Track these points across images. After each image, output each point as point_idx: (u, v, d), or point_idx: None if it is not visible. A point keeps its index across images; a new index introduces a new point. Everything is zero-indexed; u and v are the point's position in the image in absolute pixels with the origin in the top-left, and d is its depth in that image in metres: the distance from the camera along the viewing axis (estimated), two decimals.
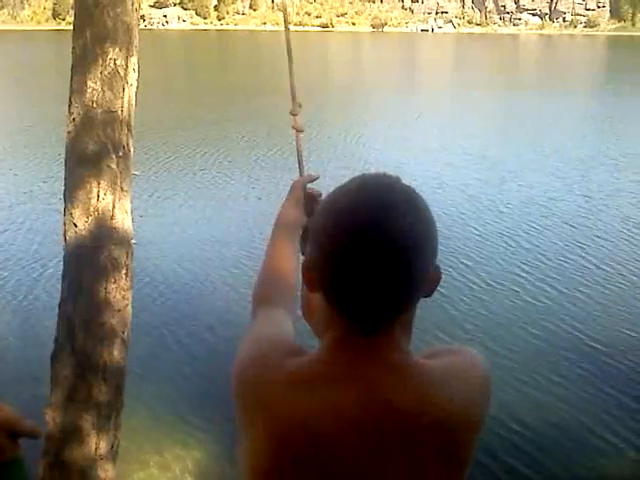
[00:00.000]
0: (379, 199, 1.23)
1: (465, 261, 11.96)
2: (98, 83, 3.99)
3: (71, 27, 4.20)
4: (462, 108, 34.07)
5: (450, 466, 1.29)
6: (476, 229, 13.90)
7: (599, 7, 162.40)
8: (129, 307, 4.10)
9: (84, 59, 4.07)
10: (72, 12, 4.36)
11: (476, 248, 12.72)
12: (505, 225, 14.23)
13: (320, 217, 1.30)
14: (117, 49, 4.03)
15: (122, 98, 4.03)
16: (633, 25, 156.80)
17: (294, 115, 2.19)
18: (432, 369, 1.29)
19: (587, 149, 22.41)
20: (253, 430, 1.29)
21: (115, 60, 4.01)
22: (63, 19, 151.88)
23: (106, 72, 4.00)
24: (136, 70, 4.15)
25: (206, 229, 13.87)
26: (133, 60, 4.13)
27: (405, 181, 1.32)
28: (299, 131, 2.16)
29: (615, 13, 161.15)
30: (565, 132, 26.04)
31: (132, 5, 4.13)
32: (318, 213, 1.33)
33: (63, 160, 4.20)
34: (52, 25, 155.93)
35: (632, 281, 11.15)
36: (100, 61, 4.01)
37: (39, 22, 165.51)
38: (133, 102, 4.14)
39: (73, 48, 4.14)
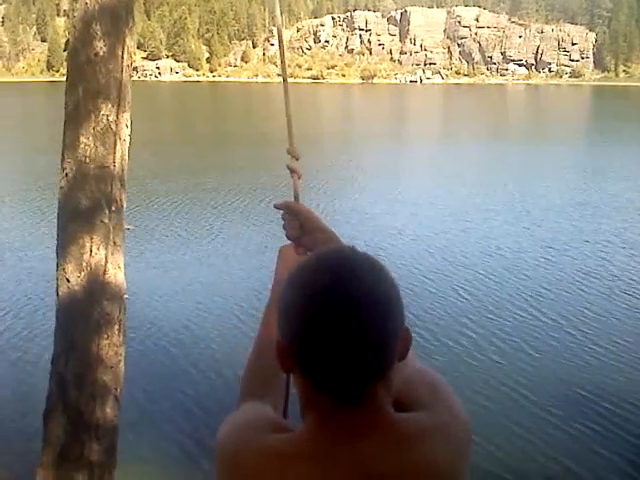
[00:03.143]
0: (339, 267, 1.23)
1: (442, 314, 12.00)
2: (91, 138, 4.01)
3: (65, 79, 4.24)
4: (449, 159, 34.47)
5: None
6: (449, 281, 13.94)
7: (583, 58, 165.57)
8: (122, 363, 4.05)
9: (77, 114, 4.10)
10: (65, 63, 4.40)
11: (438, 302, 12.77)
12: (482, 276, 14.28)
13: (285, 296, 1.28)
14: (109, 105, 4.07)
15: (115, 153, 4.05)
16: (616, 75, 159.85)
17: (292, 156, 2.04)
18: (415, 428, 1.27)
19: (562, 199, 22.59)
20: None
21: (107, 116, 4.04)
22: (57, 71, 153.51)
23: (99, 128, 4.03)
24: (129, 125, 4.18)
25: (198, 280, 13.81)
26: (126, 116, 4.16)
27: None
28: (295, 173, 2.02)
29: (598, 64, 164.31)
30: (546, 182, 26.25)
31: (124, 62, 4.18)
32: (282, 293, 1.30)
33: (56, 214, 4.20)
34: (46, 77, 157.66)
35: (593, 330, 11.13)
36: (93, 117, 4.04)
37: (33, 74, 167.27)
38: (126, 157, 4.16)
39: (66, 103, 4.17)
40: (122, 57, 4.13)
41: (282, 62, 2.17)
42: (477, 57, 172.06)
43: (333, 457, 1.24)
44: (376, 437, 1.25)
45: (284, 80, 2.10)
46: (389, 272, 1.28)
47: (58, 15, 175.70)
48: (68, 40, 4.56)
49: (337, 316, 1.19)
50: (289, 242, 1.87)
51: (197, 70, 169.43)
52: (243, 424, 1.35)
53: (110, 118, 4.05)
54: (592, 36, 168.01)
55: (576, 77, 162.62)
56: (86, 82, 4.06)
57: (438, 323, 11.36)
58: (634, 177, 27.23)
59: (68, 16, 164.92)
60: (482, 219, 19.40)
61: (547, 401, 8.70)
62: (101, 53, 4.03)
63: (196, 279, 13.86)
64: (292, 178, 2.04)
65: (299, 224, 1.85)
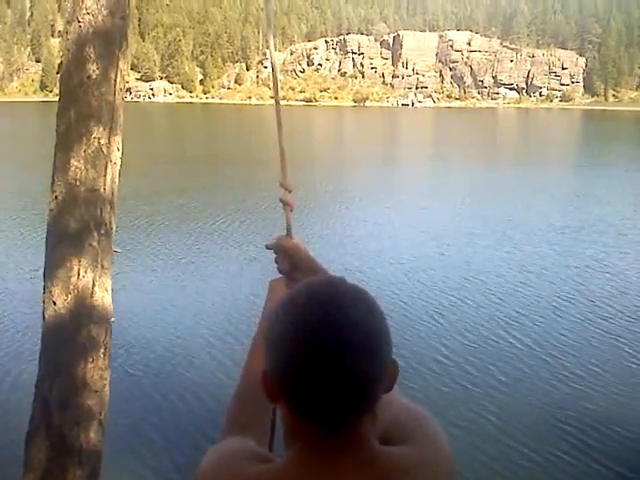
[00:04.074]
0: (329, 303, 1.23)
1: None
2: (81, 161, 4.00)
3: (57, 99, 4.24)
4: (435, 182, 34.70)
5: None
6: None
7: (573, 82, 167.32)
8: (107, 387, 4.02)
9: (68, 137, 4.09)
10: (59, 86, 4.40)
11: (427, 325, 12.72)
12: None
13: (274, 328, 1.28)
14: (101, 128, 4.07)
15: (105, 177, 4.05)
16: (606, 99, 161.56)
17: (285, 189, 2.05)
18: (399, 462, 1.29)
19: (544, 223, 22.62)
20: None
21: (99, 139, 4.04)
22: (51, 91, 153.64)
23: (90, 150, 4.02)
24: (120, 149, 4.18)
25: (184, 303, 13.74)
26: (117, 139, 4.16)
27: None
28: (288, 205, 2.02)
29: (588, 88, 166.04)
30: (530, 206, 26.34)
31: (117, 85, 4.18)
32: (271, 324, 1.30)
33: (44, 236, 4.19)
34: (40, 97, 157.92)
35: (567, 357, 11.04)
36: (84, 140, 4.04)
37: (26, 94, 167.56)
38: (116, 180, 4.15)
39: (57, 126, 4.17)
40: (115, 80, 4.13)
41: (275, 91, 2.17)
42: (469, 81, 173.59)
43: None
44: (360, 470, 1.25)
45: (277, 112, 2.12)
46: (378, 305, 1.30)
47: (53, 36, 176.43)
48: (61, 62, 4.57)
49: (325, 353, 1.19)
50: (279, 275, 1.86)
51: (190, 92, 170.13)
52: (228, 454, 1.35)
53: (102, 141, 4.05)
54: (582, 61, 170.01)
55: (566, 101, 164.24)
56: (78, 105, 4.06)
57: (410, 348, 11.20)
58: (617, 201, 27.41)
59: (63, 37, 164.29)
60: (463, 243, 19.42)
61: (518, 429, 8.59)
62: (94, 76, 4.03)
63: (181, 302, 13.80)
64: (285, 211, 2.04)
65: (289, 259, 1.86)
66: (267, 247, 1.90)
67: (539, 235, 20.62)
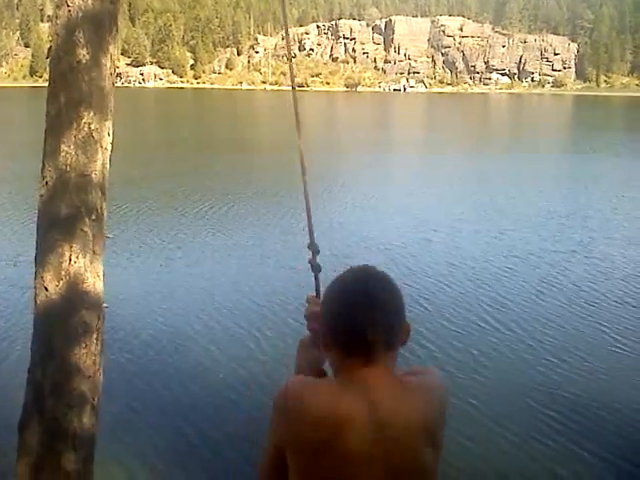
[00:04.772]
0: (362, 272, 2.01)
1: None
2: (72, 147, 3.98)
3: (47, 84, 4.20)
4: (424, 167, 34.72)
5: (434, 450, 1.94)
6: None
7: (565, 68, 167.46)
8: (100, 372, 4.03)
9: (58, 122, 4.06)
10: (48, 71, 4.36)
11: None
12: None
13: (327, 294, 2.01)
14: (92, 113, 4.04)
15: (96, 162, 4.03)
16: (598, 85, 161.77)
17: (312, 251, 2.46)
18: (415, 385, 1.97)
19: (532, 208, 22.62)
20: (290, 425, 1.89)
21: (90, 124, 4.02)
22: (40, 76, 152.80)
23: (80, 136, 4.00)
24: (111, 134, 4.16)
25: (178, 288, 13.75)
26: (108, 124, 4.14)
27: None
28: (315, 268, 2.50)
29: (580, 74, 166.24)
30: (519, 191, 26.35)
31: (107, 70, 4.16)
32: (326, 292, 2.02)
33: (35, 222, 4.17)
34: (29, 82, 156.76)
35: (552, 342, 11.07)
36: (74, 125, 4.01)
37: (16, 79, 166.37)
38: (107, 166, 4.14)
39: (47, 111, 4.14)
40: (105, 65, 4.10)
41: (298, 129, 2.21)
42: (460, 66, 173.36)
43: (363, 394, 1.88)
44: (388, 388, 1.92)
45: (301, 160, 2.36)
46: (396, 282, 2.02)
47: (42, 20, 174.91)
48: (50, 46, 4.53)
49: (363, 304, 1.90)
50: (308, 333, 2.28)
51: (181, 77, 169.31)
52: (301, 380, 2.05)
53: (92, 126, 4.03)
54: (574, 47, 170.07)
55: (558, 87, 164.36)
56: (68, 90, 4.03)
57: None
58: (605, 187, 27.47)
59: (52, 21, 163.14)
60: (449, 228, 19.40)
61: (501, 414, 8.59)
62: (84, 61, 4.00)
63: (175, 287, 13.80)
64: (313, 272, 2.51)
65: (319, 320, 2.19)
66: (306, 317, 2.33)
67: (526, 220, 20.67)
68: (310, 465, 1.86)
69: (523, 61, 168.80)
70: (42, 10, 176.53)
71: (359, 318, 1.87)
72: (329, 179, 28.69)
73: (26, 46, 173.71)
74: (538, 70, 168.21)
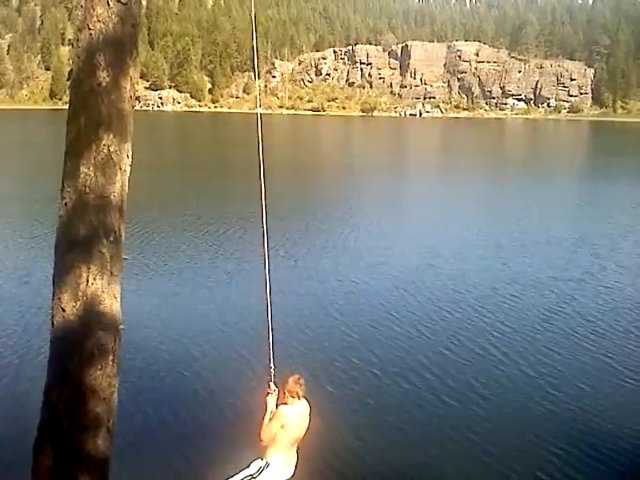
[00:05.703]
0: None
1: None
2: (91, 168, 3.99)
3: (67, 106, 4.22)
4: (437, 193, 34.58)
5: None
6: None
7: (581, 93, 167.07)
8: (115, 394, 4.01)
9: (78, 144, 4.07)
10: (69, 91, 4.39)
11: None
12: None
13: None
14: (111, 135, 4.05)
15: (115, 184, 4.04)
16: (614, 111, 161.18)
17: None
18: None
19: (540, 235, 22.46)
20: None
21: (109, 146, 4.03)
22: (60, 99, 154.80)
23: (99, 158, 4.01)
24: (129, 156, 4.16)
25: (193, 310, 13.73)
26: (127, 146, 4.15)
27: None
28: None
29: (597, 99, 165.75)
30: (529, 217, 26.22)
31: (127, 92, 4.17)
32: None
33: (53, 242, 4.18)
34: (49, 105, 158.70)
35: (553, 373, 10.82)
36: (94, 147, 4.02)
37: (36, 102, 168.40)
38: (126, 187, 4.15)
39: (67, 133, 4.15)
40: (125, 88, 4.12)
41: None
42: (477, 91, 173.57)
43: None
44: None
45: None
46: None
47: (63, 44, 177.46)
48: (72, 70, 4.57)
49: None
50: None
51: (199, 101, 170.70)
52: None
53: (111, 149, 4.04)
54: (590, 72, 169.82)
55: (574, 112, 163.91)
56: (88, 112, 4.05)
57: (393, 361, 11.09)
58: (618, 214, 27.23)
59: (73, 45, 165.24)
60: (457, 255, 19.29)
61: (499, 447, 8.42)
62: (104, 84, 4.03)
63: (190, 309, 13.79)
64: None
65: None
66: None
67: (535, 247, 20.49)
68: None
69: (539, 86, 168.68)
70: (63, 34, 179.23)
71: None
72: (341, 202, 28.72)
73: (47, 69, 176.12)
74: (554, 96, 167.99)
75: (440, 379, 10.44)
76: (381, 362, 11.00)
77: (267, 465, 5.35)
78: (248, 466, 5.47)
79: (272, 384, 5.41)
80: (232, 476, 5.43)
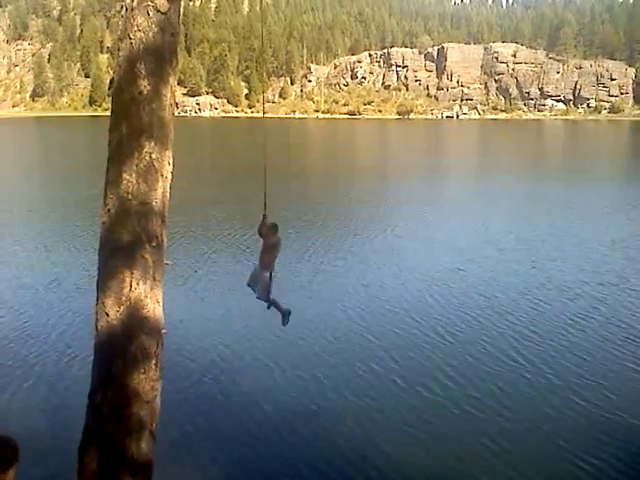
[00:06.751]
0: None
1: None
2: (133, 175, 4.07)
3: (106, 113, 4.30)
4: (472, 195, 34.29)
5: None
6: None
7: (622, 93, 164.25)
8: (158, 398, 4.07)
9: (120, 152, 4.16)
10: (108, 99, 4.47)
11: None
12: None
13: None
14: (152, 143, 4.12)
15: (157, 190, 4.11)
16: None
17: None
18: None
19: (574, 238, 22.07)
20: None
21: (150, 153, 4.10)
22: (99, 106, 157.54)
23: (141, 165, 4.08)
24: (171, 163, 4.24)
25: (234, 314, 13.83)
26: (168, 153, 4.22)
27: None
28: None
29: (638, 99, 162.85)
30: (565, 220, 25.75)
31: (168, 100, 4.24)
32: None
33: (95, 247, 4.27)
34: (88, 111, 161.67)
35: (581, 381, 10.62)
36: (136, 154, 4.10)
37: (76, 108, 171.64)
38: (167, 194, 4.21)
39: (110, 141, 4.24)
40: (165, 96, 4.19)
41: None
42: (514, 93, 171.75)
43: None
44: None
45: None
46: None
47: (102, 52, 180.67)
48: (112, 78, 4.65)
49: None
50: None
51: (236, 106, 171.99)
52: None
53: (153, 156, 4.11)
54: (631, 71, 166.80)
55: (615, 112, 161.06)
56: (130, 120, 4.13)
57: (415, 369, 10.94)
58: None
59: (111, 53, 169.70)
60: (487, 258, 19.05)
61: (524, 460, 8.25)
62: (145, 92, 4.10)
63: (233, 313, 13.89)
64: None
65: None
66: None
67: (567, 250, 20.15)
68: None
69: (578, 87, 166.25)
70: (102, 42, 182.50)
71: None
72: (372, 203, 28.66)
73: (86, 76, 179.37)
74: (594, 96, 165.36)
75: (463, 388, 10.29)
76: (403, 369, 10.93)
77: None
78: None
79: None
80: None
